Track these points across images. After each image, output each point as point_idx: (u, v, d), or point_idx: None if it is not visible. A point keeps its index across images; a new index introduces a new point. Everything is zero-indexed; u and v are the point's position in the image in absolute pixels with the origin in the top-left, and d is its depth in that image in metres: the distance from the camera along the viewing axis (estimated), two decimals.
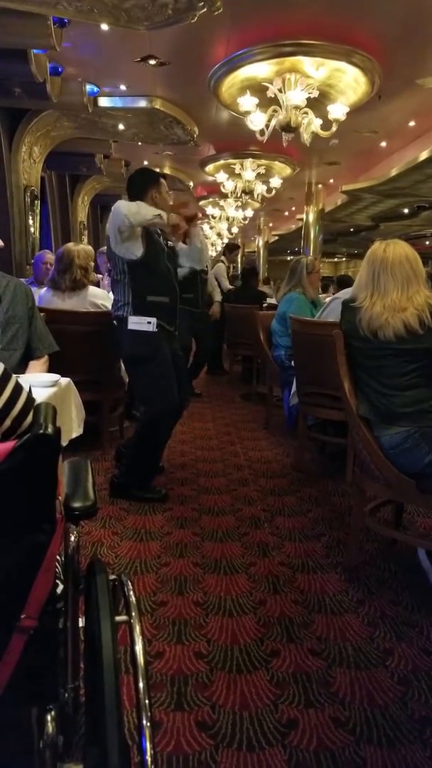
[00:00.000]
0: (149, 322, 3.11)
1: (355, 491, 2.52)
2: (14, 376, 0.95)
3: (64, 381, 2.25)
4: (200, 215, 3.21)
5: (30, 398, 0.95)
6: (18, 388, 0.93)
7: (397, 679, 1.81)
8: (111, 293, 3.77)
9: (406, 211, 13.11)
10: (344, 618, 2.16)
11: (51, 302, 3.91)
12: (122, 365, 4.08)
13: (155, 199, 3.20)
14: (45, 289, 4.17)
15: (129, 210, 2.96)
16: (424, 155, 7.90)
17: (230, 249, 8.88)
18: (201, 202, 13.00)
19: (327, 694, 1.74)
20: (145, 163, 8.73)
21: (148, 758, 0.94)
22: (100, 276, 5.99)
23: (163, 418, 3.23)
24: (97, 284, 5.00)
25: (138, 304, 3.11)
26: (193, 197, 12.25)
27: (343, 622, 2.13)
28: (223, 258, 8.43)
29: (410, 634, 2.06)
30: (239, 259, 8.86)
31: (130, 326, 3.11)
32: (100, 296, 4.03)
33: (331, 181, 10.69)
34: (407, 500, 2.47)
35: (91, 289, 4.02)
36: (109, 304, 3.94)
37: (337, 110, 5.46)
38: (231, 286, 7.95)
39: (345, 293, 3.76)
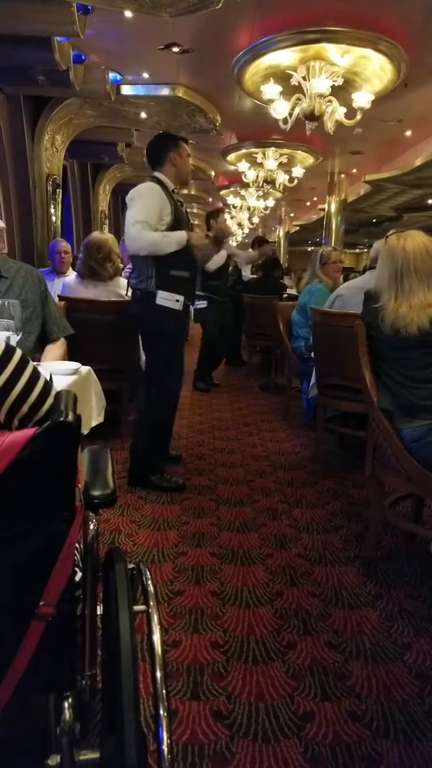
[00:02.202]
0: (177, 300, 3.11)
1: (375, 484, 2.50)
2: (32, 362, 0.95)
3: (85, 369, 2.26)
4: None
5: (47, 384, 0.95)
6: (35, 373, 0.93)
7: (415, 675, 1.80)
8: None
9: (430, 201, 12.92)
10: (362, 611, 2.14)
11: (79, 291, 3.93)
12: (141, 355, 4.09)
13: (175, 162, 3.19)
14: (74, 276, 4.18)
15: (151, 248, 2.99)
16: None
17: (260, 243, 8.81)
18: (222, 192, 12.93)
19: (344, 687, 1.74)
20: None
21: (165, 747, 0.94)
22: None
23: (172, 394, 3.29)
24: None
25: (162, 277, 3.08)
26: (214, 186, 12.19)
27: (360, 616, 2.11)
28: (250, 250, 8.38)
29: (429, 629, 2.04)
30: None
31: (159, 301, 3.08)
32: (124, 286, 4.04)
33: (354, 170, 10.56)
34: (428, 494, 2.44)
35: (120, 279, 4.05)
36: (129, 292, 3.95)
37: (362, 98, 5.38)
38: (252, 275, 7.91)
39: (345, 288, 3.73)
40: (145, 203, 3.04)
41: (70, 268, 5.17)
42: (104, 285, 3.96)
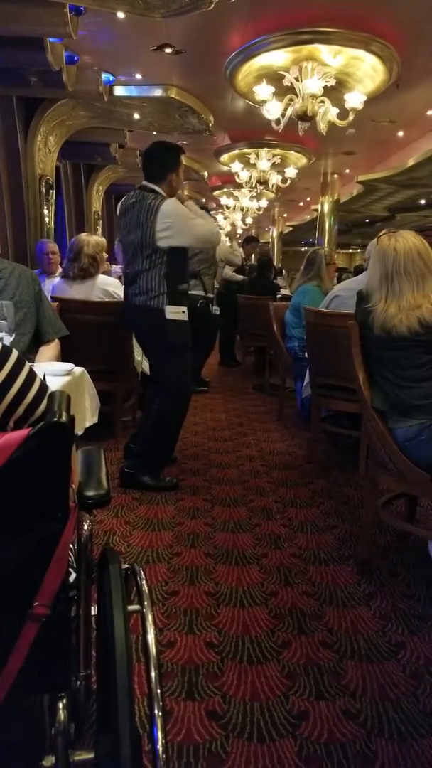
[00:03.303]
0: (183, 312, 3.18)
1: (368, 484, 2.51)
2: (28, 363, 0.95)
3: (78, 370, 2.26)
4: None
5: (43, 386, 0.95)
6: (31, 375, 0.93)
7: (409, 673, 1.80)
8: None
9: (423, 202, 12.97)
10: (356, 611, 2.15)
11: (63, 291, 3.95)
12: (135, 356, 4.09)
13: (173, 182, 3.21)
14: (59, 279, 4.20)
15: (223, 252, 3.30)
16: None
17: (247, 241, 8.80)
18: (215, 192, 12.93)
19: (338, 686, 1.74)
20: None
21: (160, 747, 0.94)
22: (114, 267, 6.00)
23: (185, 404, 3.34)
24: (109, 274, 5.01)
25: (171, 293, 3.13)
26: (207, 187, 12.19)
27: (354, 615, 2.12)
28: (240, 250, 8.39)
29: (422, 628, 2.05)
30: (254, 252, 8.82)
31: (169, 316, 3.12)
32: (112, 284, 4.04)
33: (347, 171, 10.59)
34: (421, 493, 2.45)
35: (101, 277, 4.04)
36: (121, 293, 3.94)
37: (355, 99, 5.39)
38: (240, 277, 7.91)
39: (342, 290, 3.74)
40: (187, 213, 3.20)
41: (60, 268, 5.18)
42: (88, 284, 3.95)
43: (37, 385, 0.93)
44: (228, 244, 5.62)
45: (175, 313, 3.14)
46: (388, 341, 2.18)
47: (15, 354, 0.92)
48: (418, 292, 2.15)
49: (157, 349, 3.32)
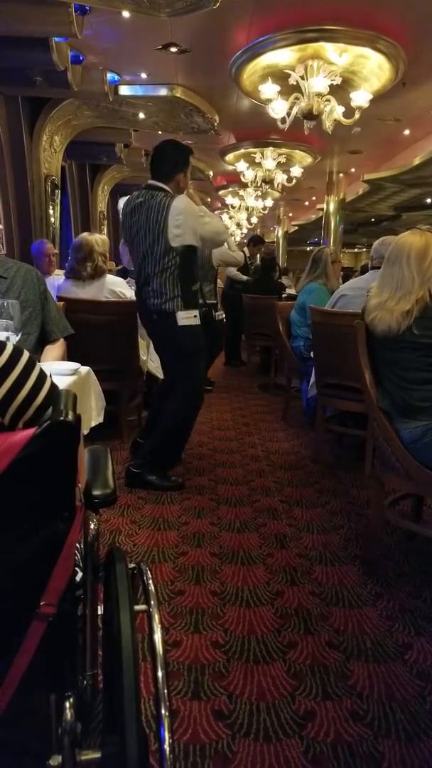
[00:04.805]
0: (195, 316, 3.16)
1: (375, 484, 2.50)
2: (39, 364, 0.94)
3: (84, 369, 2.26)
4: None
5: (54, 387, 0.94)
6: (42, 376, 0.92)
7: (416, 674, 1.80)
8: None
9: (429, 200, 12.91)
10: (362, 611, 2.14)
11: (70, 292, 3.93)
12: (141, 355, 4.09)
13: (180, 183, 3.20)
14: (63, 279, 4.20)
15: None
16: None
17: (254, 242, 8.77)
18: (220, 192, 12.92)
19: (345, 687, 1.74)
20: None
21: (166, 747, 0.94)
22: (118, 265, 6.01)
23: (197, 409, 3.36)
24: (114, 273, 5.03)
25: (185, 295, 3.12)
26: (212, 186, 12.18)
27: (361, 615, 2.11)
28: (245, 249, 8.37)
29: (429, 628, 2.04)
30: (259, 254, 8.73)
31: (181, 322, 3.11)
32: (119, 284, 4.04)
33: (353, 170, 10.55)
34: (428, 494, 2.44)
35: (109, 277, 4.04)
36: (128, 292, 3.94)
37: (360, 97, 5.37)
38: (245, 277, 7.90)
39: (350, 289, 3.74)
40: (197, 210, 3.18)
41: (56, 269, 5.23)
42: (98, 284, 3.95)
43: (47, 386, 0.92)
44: (225, 246, 5.58)
45: (188, 318, 3.13)
46: (390, 342, 2.17)
47: (26, 355, 0.91)
48: (398, 292, 2.15)
49: (170, 354, 3.33)
